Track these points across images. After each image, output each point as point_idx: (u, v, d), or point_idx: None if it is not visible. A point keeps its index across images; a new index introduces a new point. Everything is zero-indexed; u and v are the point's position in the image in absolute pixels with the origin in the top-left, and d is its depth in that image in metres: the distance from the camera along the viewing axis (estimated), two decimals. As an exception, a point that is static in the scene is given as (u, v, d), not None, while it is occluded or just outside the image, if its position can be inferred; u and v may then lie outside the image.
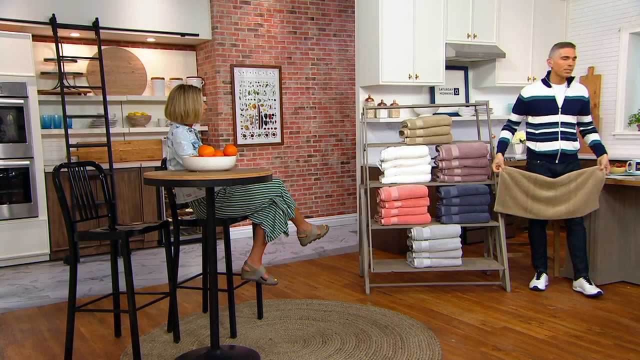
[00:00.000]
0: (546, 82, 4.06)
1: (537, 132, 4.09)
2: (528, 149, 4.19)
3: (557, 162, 4.04)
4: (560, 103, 3.99)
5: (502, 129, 4.28)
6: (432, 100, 5.99)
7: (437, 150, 4.30)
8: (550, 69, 4.07)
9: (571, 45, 3.99)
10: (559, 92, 4.01)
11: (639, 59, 6.15)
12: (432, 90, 6.00)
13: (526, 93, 4.11)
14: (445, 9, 5.61)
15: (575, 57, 3.97)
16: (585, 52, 6.43)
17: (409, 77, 5.47)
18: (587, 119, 4.11)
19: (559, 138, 4.00)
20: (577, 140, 4.06)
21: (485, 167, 4.27)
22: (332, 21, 6.95)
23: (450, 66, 5.91)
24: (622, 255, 4.33)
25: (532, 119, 4.12)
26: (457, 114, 6.00)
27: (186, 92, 3.31)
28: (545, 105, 4.01)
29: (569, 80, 4.03)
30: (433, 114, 5.36)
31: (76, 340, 3.32)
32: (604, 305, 3.82)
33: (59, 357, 3.15)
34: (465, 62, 6.17)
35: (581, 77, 6.47)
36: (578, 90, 4.03)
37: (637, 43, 6.10)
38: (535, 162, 4.14)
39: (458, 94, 6.25)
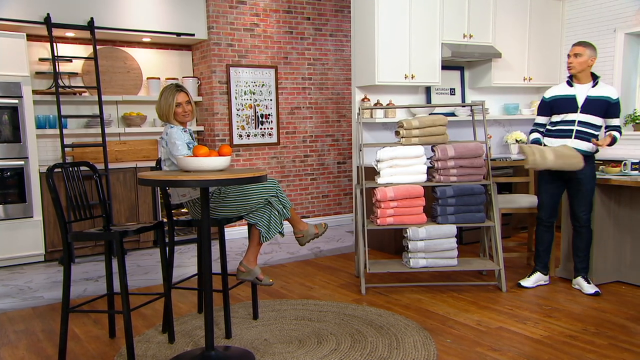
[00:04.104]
0: (569, 82, 4.06)
1: (553, 129, 4.07)
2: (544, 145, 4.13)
3: None
4: (580, 102, 3.96)
5: (530, 132, 4.25)
6: (428, 100, 5.99)
7: (433, 151, 4.29)
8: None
9: (575, 44, 4.01)
10: (581, 92, 3.98)
11: (634, 59, 6.17)
12: (428, 90, 6.00)
13: (548, 94, 4.14)
14: (441, 9, 5.61)
15: (577, 54, 3.94)
16: (581, 52, 6.44)
17: (405, 77, 5.47)
18: (613, 121, 4.02)
19: (573, 137, 3.96)
20: None
21: (481, 167, 4.27)
22: (328, 21, 6.94)
23: (446, 66, 5.91)
24: (617, 255, 4.33)
25: (553, 118, 4.10)
26: (453, 114, 6.00)
27: (162, 92, 3.37)
28: (565, 104, 4.00)
29: (595, 80, 3.99)
30: (429, 114, 5.36)
31: (70, 341, 3.31)
32: (599, 305, 3.83)
33: (52, 358, 3.14)
34: (461, 62, 6.17)
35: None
36: (604, 91, 3.97)
37: (632, 43, 6.11)
38: None
39: (454, 94, 6.25)
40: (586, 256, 4.11)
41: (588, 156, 3.99)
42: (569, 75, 4.07)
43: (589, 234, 4.09)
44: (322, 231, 3.58)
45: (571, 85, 4.04)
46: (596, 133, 3.98)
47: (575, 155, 3.83)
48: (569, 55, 4.01)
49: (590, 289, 4.03)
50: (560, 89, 4.09)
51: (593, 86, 3.98)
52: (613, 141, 3.97)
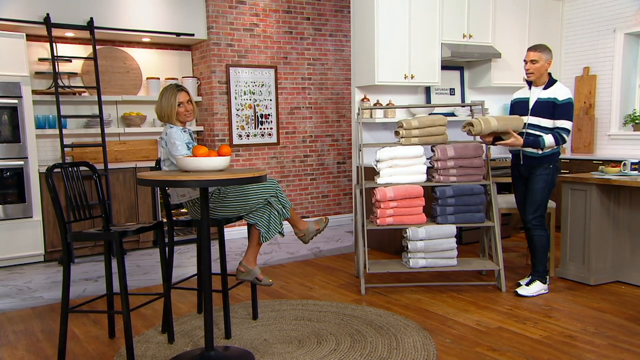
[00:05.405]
0: (529, 85, 4.08)
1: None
2: None
3: (521, 162, 4.04)
4: (531, 105, 3.99)
5: None
6: (428, 100, 5.99)
7: (433, 151, 4.29)
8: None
9: (530, 49, 3.97)
10: (534, 95, 4.01)
11: (634, 59, 6.17)
12: (427, 90, 6.00)
13: (512, 97, 4.22)
14: (441, 9, 5.61)
15: (533, 61, 3.91)
16: (581, 52, 6.44)
17: (405, 77, 5.47)
18: (558, 123, 3.88)
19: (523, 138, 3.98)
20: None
21: (480, 167, 4.27)
22: (328, 21, 6.94)
23: (445, 66, 5.91)
24: (616, 255, 4.33)
25: None
26: (452, 114, 6.00)
27: (163, 93, 3.35)
28: (520, 107, 4.08)
29: (550, 83, 3.97)
30: (429, 114, 5.36)
31: (70, 342, 3.30)
32: (599, 305, 3.83)
33: (52, 359, 3.14)
34: (461, 62, 6.17)
35: (576, 77, 6.48)
36: (555, 92, 3.92)
37: (632, 43, 6.11)
38: (512, 161, 4.21)
39: (454, 94, 6.25)
40: (541, 260, 4.05)
41: (538, 158, 3.95)
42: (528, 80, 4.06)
43: (539, 238, 4.02)
44: (324, 226, 3.56)
45: (530, 89, 4.08)
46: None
47: (516, 117, 3.94)
48: (525, 62, 3.96)
49: (523, 290, 4.01)
50: (522, 93, 4.14)
51: (545, 88, 3.97)
52: (533, 143, 3.85)
